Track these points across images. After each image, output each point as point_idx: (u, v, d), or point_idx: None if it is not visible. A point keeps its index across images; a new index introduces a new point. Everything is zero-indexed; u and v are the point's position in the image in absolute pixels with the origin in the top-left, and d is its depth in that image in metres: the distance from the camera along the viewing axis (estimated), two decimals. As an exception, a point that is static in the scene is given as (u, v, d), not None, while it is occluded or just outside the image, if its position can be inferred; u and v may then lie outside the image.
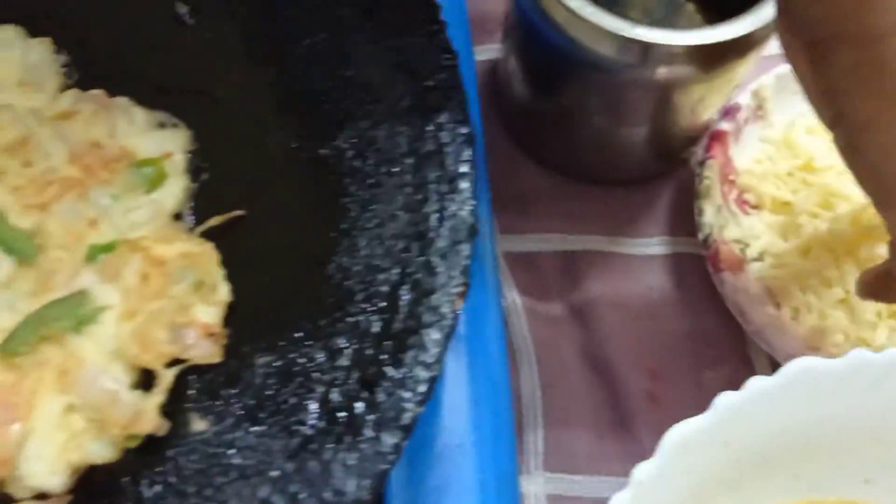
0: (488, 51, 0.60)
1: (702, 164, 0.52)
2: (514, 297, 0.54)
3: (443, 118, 0.41)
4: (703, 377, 0.52)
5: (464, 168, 0.40)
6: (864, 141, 0.34)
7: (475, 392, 0.43)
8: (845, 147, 0.35)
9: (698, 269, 0.52)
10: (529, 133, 0.57)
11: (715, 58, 0.45)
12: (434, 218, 0.39)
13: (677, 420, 0.35)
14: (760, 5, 0.43)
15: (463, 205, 0.39)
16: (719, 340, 0.52)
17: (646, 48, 0.44)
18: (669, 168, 0.57)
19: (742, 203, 0.53)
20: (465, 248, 0.38)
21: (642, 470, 0.34)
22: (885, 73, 0.32)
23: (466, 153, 0.40)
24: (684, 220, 0.54)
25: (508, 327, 0.53)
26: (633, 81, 0.46)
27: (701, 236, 0.51)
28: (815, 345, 0.49)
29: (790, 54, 0.37)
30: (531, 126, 0.57)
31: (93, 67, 0.45)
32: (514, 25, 0.50)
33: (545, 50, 0.48)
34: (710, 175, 0.52)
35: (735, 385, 0.36)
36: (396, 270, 0.38)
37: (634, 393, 0.51)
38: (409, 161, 0.40)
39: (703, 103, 0.49)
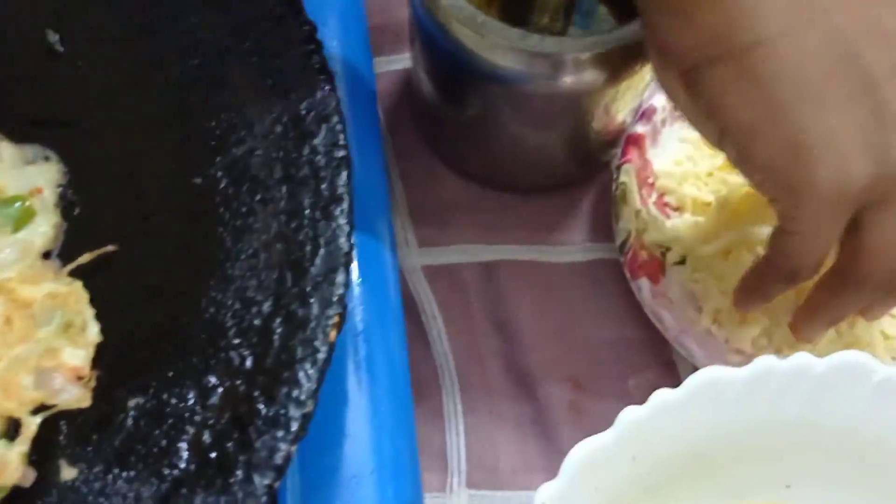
0: (403, 59, 0.60)
1: (617, 168, 0.52)
2: (433, 312, 0.53)
3: (318, 141, 0.40)
4: (627, 385, 0.52)
5: (340, 193, 0.39)
6: (751, 146, 0.36)
7: (377, 419, 0.43)
8: (736, 158, 0.37)
9: (622, 275, 0.52)
10: (446, 142, 0.57)
11: (618, 62, 0.45)
12: (308, 246, 0.38)
13: (601, 424, 0.35)
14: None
15: (338, 232, 0.39)
16: (642, 347, 0.52)
17: (543, 58, 0.44)
18: (590, 172, 0.57)
19: (663, 206, 0.53)
20: (341, 277, 0.38)
21: (546, 491, 0.34)
22: (759, 81, 0.34)
23: (342, 178, 0.40)
24: (606, 225, 0.54)
25: (428, 343, 0.52)
26: (537, 91, 0.46)
27: (618, 242, 0.51)
28: (738, 348, 0.49)
29: (667, 87, 0.38)
30: (446, 135, 0.56)
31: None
32: (415, 35, 0.50)
33: (446, 61, 0.48)
34: (627, 179, 0.52)
35: (658, 394, 0.36)
36: (269, 302, 0.38)
37: (558, 404, 0.51)
38: (284, 188, 0.40)
39: (615, 105, 0.49)
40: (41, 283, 0.39)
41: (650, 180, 0.53)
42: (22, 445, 0.36)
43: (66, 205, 0.42)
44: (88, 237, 0.41)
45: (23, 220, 0.41)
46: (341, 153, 0.40)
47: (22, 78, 0.44)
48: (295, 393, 0.36)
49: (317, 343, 0.37)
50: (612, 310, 0.54)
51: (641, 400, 0.35)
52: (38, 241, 0.41)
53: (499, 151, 0.53)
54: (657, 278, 0.50)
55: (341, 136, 0.40)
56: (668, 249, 0.51)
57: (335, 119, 0.41)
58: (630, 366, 0.52)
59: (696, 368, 0.47)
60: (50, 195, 0.42)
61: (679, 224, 0.52)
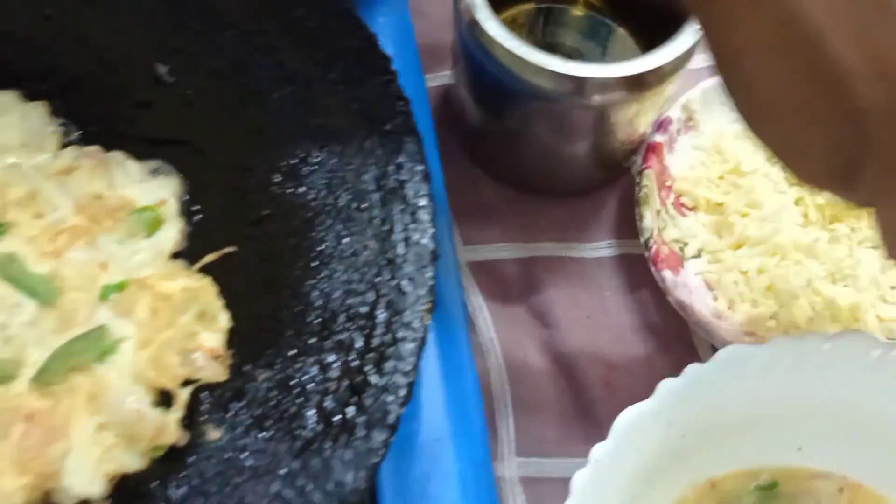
0: (442, 76, 0.69)
1: (640, 174, 0.62)
2: (479, 302, 0.61)
3: (402, 158, 0.50)
4: (653, 364, 0.60)
5: (423, 202, 0.49)
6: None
7: (449, 392, 0.52)
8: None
9: (644, 268, 0.60)
10: (483, 151, 0.66)
11: (643, 83, 0.54)
12: (401, 246, 0.48)
13: (632, 399, 0.44)
14: (680, 35, 0.52)
15: (424, 233, 0.48)
16: (666, 331, 0.61)
17: (579, 80, 0.53)
18: (613, 176, 0.66)
19: (679, 206, 0.62)
20: (430, 271, 0.47)
21: (599, 450, 0.43)
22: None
23: (424, 188, 0.49)
24: (629, 223, 0.63)
25: (475, 330, 0.61)
26: (570, 107, 0.55)
27: (642, 239, 0.60)
28: (750, 331, 0.57)
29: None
30: (485, 145, 0.65)
31: (86, 127, 0.53)
32: (459, 57, 0.59)
33: (488, 81, 0.56)
34: (648, 183, 0.61)
35: (681, 371, 0.44)
36: (371, 294, 0.47)
37: (593, 382, 0.60)
38: (376, 197, 0.49)
39: (637, 119, 0.58)
40: (176, 280, 0.48)
41: (668, 183, 0.62)
42: (177, 412, 0.46)
43: (188, 212, 0.51)
44: (209, 240, 0.50)
45: (153, 226, 0.50)
46: (421, 167, 0.50)
47: (139, 104, 0.53)
48: (400, 366, 0.45)
49: (414, 325, 0.46)
50: (638, 299, 0.62)
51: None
52: (168, 243, 0.50)
53: (533, 160, 0.62)
54: (677, 270, 0.59)
55: (421, 154, 0.50)
56: (685, 244, 0.61)
57: (414, 138, 0.50)
58: (655, 348, 0.61)
59: (714, 349, 0.57)
60: (173, 204, 0.51)
61: (694, 222, 0.62)
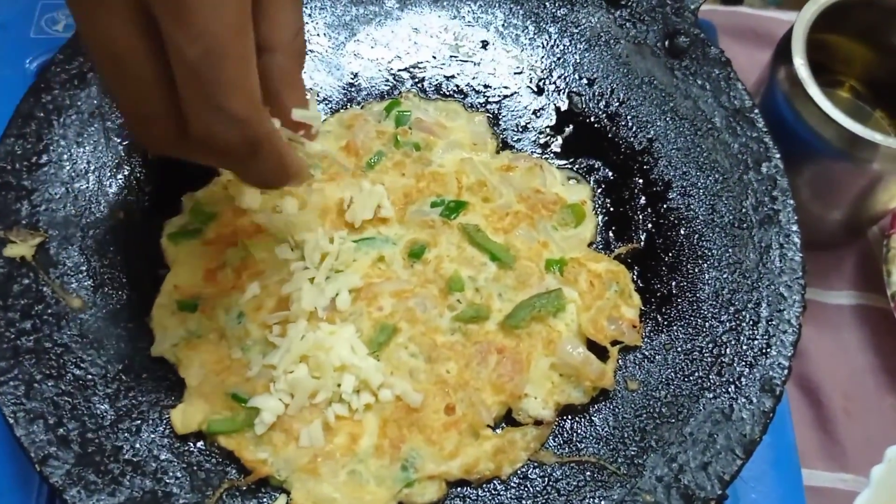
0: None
1: (887, 237, 0.76)
2: None
3: (776, 192, 0.64)
4: (883, 399, 0.74)
5: (794, 227, 0.63)
6: None
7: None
8: None
9: (877, 318, 0.74)
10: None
11: None
12: (778, 259, 0.62)
13: (866, 429, 0.60)
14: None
15: (796, 251, 0.62)
16: (894, 372, 0.75)
17: (873, 147, 0.67)
18: (853, 239, 0.80)
19: None
20: (802, 280, 0.61)
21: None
22: None
23: (794, 217, 0.63)
24: (865, 279, 0.77)
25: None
26: (850, 169, 0.69)
27: (889, 292, 0.74)
28: None
29: None
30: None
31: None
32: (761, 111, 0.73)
33: (788, 137, 0.69)
34: (894, 245, 0.75)
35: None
36: (755, 294, 0.61)
37: (832, 407, 0.73)
38: (755, 219, 0.64)
39: None
40: (601, 262, 0.62)
41: (903, 248, 0.77)
42: (612, 364, 0.59)
43: (598, 212, 0.66)
44: (616, 235, 0.65)
45: (580, 218, 0.64)
46: (793, 201, 0.64)
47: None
48: (783, 352, 0.59)
49: (792, 322, 0.60)
50: (871, 343, 0.76)
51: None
52: (587, 234, 0.64)
53: (800, 212, 0.76)
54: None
55: (790, 190, 0.64)
56: None
57: (784, 179, 0.65)
58: (885, 385, 0.75)
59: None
60: (589, 206, 0.65)
61: None
